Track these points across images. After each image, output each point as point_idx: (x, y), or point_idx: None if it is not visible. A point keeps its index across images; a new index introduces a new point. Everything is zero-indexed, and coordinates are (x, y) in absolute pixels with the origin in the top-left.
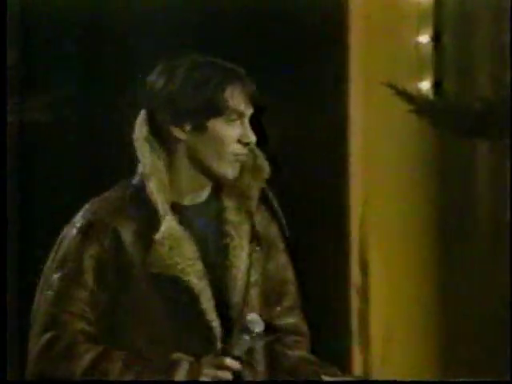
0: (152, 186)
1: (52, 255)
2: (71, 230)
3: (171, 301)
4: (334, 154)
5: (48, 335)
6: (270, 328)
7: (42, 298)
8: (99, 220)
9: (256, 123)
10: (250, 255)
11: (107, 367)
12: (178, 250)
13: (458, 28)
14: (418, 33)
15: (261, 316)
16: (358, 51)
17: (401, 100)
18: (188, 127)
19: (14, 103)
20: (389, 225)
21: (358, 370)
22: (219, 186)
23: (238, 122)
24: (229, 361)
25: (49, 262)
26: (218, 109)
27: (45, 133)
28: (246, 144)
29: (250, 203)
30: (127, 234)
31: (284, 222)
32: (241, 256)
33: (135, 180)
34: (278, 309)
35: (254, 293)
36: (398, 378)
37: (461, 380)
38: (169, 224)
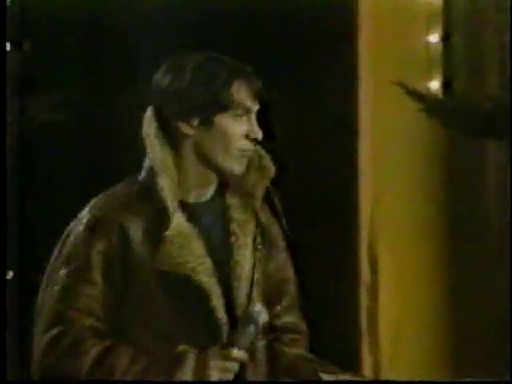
0: (163, 182)
1: (57, 251)
2: (77, 226)
3: (180, 298)
4: (344, 153)
5: (54, 331)
6: (269, 327)
7: (47, 295)
8: (106, 215)
9: (263, 120)
10: (253, 254)
11: (114, 362)
12: (188, 248)
13: (468, 27)
14: (427, 32)
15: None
16: (368, 51)
17: (410, 99)
18: (195, 122)
19: (14, 103)
20: (398, 224)
21: (366, 369)
22: (224, 185)
23: (245, 117)
24: (236, 351)
25: (53, 259)
26: (224, 103)
27: (45, 133)
28: (253, 140)
29: (254, 202)
30: (135, 231)
31: (284, 221)
32: (245, 255)
33: (141, 176)
34: (278, 308)
35: (256, 291)
36: (407, 378)
37: (462, 380)
38: (178, 221)
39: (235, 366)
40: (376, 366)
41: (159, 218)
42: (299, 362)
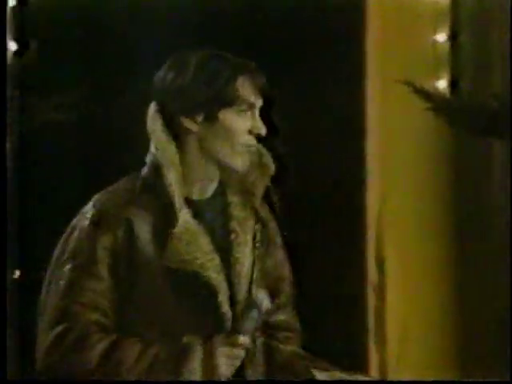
0: (171, 178)
1: (60, 248)
2: (81, 221)
3: (188, 295)
4: (351, 152)
5: (59, 329)
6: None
7: (51, 292)
8: (111, 210)
9: (266, 117)
10: (253, 251)
11: (121, 355)
12: (196, 244)
13: (475, 26)
14: (434, 31)
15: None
16: (375, 50)
17: (418, 98)
18: (199, 118)
19: (14, 104)
20: (405, 223)
21: (374, 368)
22: (225, 182)
23: (249, 113)
24: (242, 338)
25: (56, 256)
26: (228, 99)
27: (45, 133)
28: (257, 135)
29: (254, 200)
30: (140, 226)
31: (281, 220)
32: (245, 252)
33: (144, 172)
34: (273, 305)
35: (255, 288)
36: (415, 378)
37: (462, 380)
38: (185, 218)
39: (242, 353)
40: (383, 366)
41: (165, 215)
42: (293, 359)
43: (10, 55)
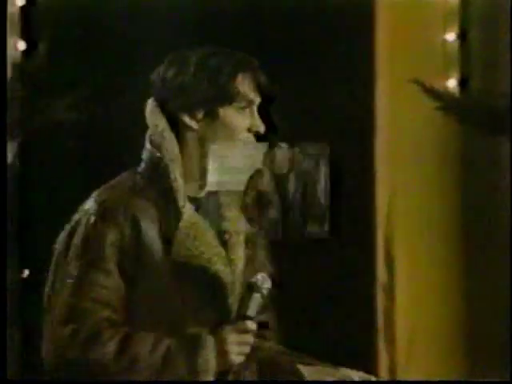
0: (177, 173)
1: (63, 245)
2: (85, 217)
3: (196, 289)
4: (360, 150)
5: (68, 329)
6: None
7: (59, 288)
8: (116, 206)
9: (265, 114)
10: (245, 252)
11: (135, 350)
12: (202, 239)
13: (485, 25)
14: (444, 30)
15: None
16: (385, 49)
17: (427, 97)
18: (200, 115)
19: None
20: (414, 223)
21: (383, 368)
22: None
23: (248, 110)
24: (250, 323)
25: (60, 251)
26: (229, 95)
27: (45, 133)
28: (255, 133)
29: (246, 199)
30: (146, 223)
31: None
32: (238, 253)
33: (142, 169)
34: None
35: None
36: (424, 378)
37: (462, 380)
38: (189, 213)
39: (251, 338)
40: (392, 365)
41: (169, 210)
42: (276, 355)
43: (18, 55)
